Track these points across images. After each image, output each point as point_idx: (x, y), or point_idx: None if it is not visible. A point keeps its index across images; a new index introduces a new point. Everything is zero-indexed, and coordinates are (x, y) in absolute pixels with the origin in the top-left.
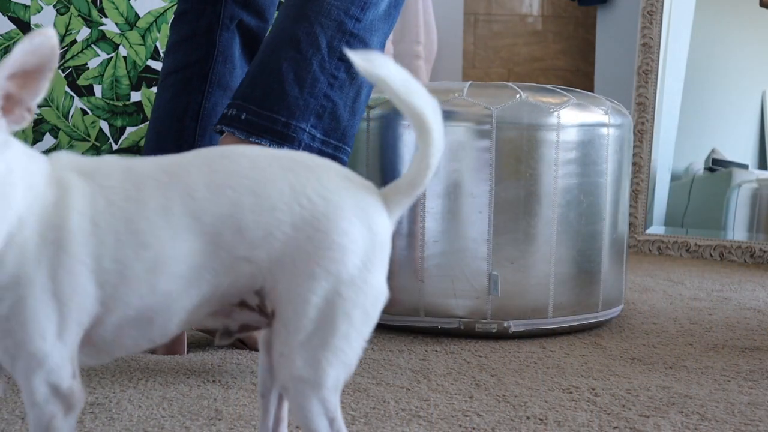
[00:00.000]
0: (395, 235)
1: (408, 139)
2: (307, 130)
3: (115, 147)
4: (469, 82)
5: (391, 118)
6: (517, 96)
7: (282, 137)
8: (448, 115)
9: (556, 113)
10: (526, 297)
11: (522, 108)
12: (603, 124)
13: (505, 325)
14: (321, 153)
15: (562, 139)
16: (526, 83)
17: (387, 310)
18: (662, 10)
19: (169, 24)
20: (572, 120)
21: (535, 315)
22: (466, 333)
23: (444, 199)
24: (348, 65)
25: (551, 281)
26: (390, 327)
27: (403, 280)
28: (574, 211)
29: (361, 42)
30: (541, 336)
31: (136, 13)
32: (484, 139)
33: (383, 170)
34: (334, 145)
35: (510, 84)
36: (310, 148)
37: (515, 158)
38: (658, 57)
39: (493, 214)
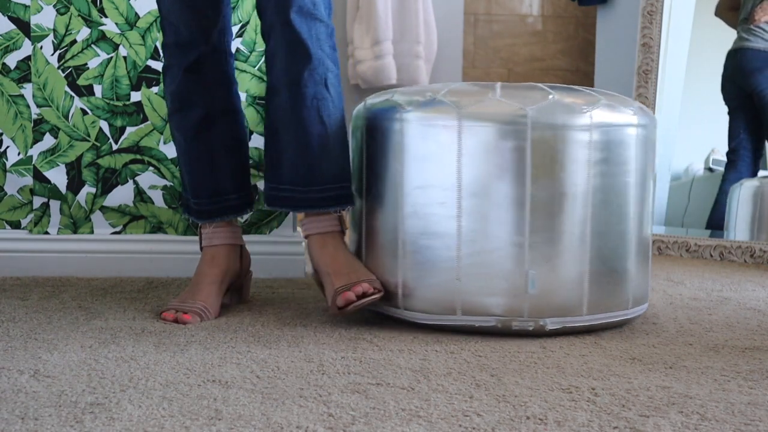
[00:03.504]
0: (431, 235)
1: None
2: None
3: (115, 147)
4: (500, 83)
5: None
6: (550, 96)
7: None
8: (482, 116)
9: (588, 113)
10: (560, 295)
11: (556, 108)
12: (631, 125)
13: (541, 323)
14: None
15: (593, 139)
16: (553, 84)
17: (424, 309)
18: (662, 10)
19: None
20: (603, 120)
21: (569, 313)
22: (502, 331)
23: (480, 199)
24: None
25: (585, 279)
26: (426, 326)
27: (439, 279)
28: (605, 210)
29: None
30: (575, 333)
31: (136, 13)
32: (519, 139)
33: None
34: None
35: (539, 85)
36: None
37: (549, 158)
38: (658, 57)
39: (529, 213)
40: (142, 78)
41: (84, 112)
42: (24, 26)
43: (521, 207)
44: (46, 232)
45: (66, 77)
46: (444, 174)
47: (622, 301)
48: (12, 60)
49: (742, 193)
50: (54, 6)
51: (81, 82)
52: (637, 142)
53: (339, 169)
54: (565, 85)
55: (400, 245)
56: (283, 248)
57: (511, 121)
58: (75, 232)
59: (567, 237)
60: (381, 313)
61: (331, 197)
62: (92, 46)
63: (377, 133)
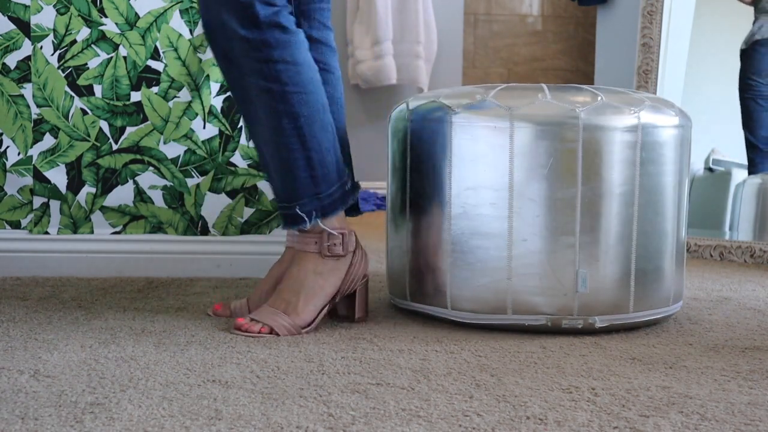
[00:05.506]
0: (481, 235)
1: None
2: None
3: (115, 147)
4: (545, 84)
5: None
6: (599, 98)
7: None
8: (534, 117)
9: (636, 114)
10: (609, 293)
11: (606, 109)
12: (673, 126)
13: (590, 320)
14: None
15: (640, 140)
16: (595, 86)
17: (473, 309)
18: (662, 10)
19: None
20: (649, 121)
21: (617, 310)
22: (552, 330)
23: (530, 199)
24: None
25: (631, 277)
26: (475, 326)
27: (490, 279)
28: (649, 209)
29: None
30: (623, 330)
31: (136, 13)
32: (571, 140)
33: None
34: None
35: (584, 86)
36: None
37: (599, 158)
38: (658, 57)
39: (579, 214)
40: (142, 78)
41: (84, 112)
42: (24, 26)
43: (572, 207)
44: (46, 232)
45: (66, 77)
46: (495, 175)
47: (663, 297)
48: (12, 60)
49: (745, 191)
50: (54, 6)
51: (81, 82)
52: (676, 143)
53: (285, 188)
54: (608, 87)
55: (449, 246)
56: (283, 248)
57: (563, 122)
58: (75, 232)
59: (615, 236)
60: (427, 313)
61: (282, 216)
62: (92, 46)
63: (424, 134)
